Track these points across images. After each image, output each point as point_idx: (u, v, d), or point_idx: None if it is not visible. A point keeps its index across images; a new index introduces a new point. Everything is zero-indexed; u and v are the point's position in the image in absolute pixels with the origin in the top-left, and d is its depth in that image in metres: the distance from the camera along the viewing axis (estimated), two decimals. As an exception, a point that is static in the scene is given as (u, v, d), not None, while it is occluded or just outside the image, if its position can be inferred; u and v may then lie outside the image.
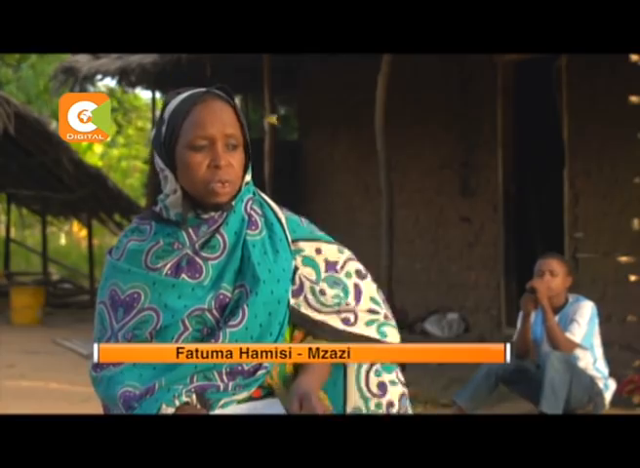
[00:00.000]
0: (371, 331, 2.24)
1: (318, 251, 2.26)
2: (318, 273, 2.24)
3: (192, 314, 2.13)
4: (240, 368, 2.13)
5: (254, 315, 2.13)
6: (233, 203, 2.17)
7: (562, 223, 8.26)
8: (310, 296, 2.21)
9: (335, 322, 2.22)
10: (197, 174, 2.13)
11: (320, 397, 2.16)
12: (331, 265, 2.26)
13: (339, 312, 2.23)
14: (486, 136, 9.12)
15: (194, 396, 2.10)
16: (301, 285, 2.22)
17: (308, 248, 2.25)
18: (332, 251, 2.27)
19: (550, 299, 5.67)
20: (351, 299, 2.25)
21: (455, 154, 9.49)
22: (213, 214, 2.17)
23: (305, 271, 2.23)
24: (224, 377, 2.12)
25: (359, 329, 2.23)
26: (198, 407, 2.11)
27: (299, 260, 2.23)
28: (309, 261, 2.24)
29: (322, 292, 2.23)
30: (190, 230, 2.17)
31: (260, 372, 2.14)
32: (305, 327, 2.22)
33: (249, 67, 10.12)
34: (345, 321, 2.23)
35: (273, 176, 9.20)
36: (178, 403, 2.08)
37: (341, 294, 2.24)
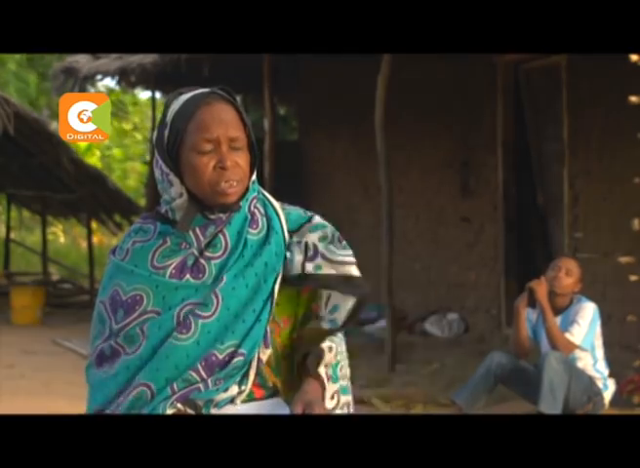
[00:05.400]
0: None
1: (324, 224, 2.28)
2: (333, 233, 2.26)
3: (185, 307, 2.13)
4: (214, 358, 2.11)
5: (226, 307, 2.13)
6: (241, 203, 2.17)
7: (562, 223, 8.26)
8: (326, 251, 2.22)
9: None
10: (204, 176, 2.12)
11: (323, 408, 2.15)
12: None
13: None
14: (486, 137, 9.12)
15: (179, 405, 2.09)
16: (315, 249, 2.21)
17: (312, 222, 2.26)
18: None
19: (555, 299, 5.67)
20: None
21: (455, 154, 9.49)
22: (221, 215, 2.16)
23: (314, 236, 2.23)
24: (202, 373, 2.10)
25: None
26: (189, 412, 2.10)
27: (306, 233, 2.23)
28: (316, 227, 2.24)
29: (339, 241, 2.25)
30: (197, 230, 2.16)
31: (236, 360, 2.12)
32: (330, 287, 2.23)
33: (249, 67, 10.12)
34: None
35: (273, 176, 9.21)
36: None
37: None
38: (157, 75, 11.11)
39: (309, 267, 2.19)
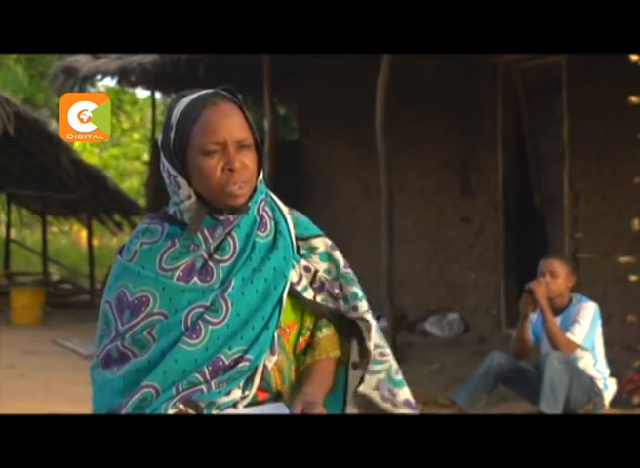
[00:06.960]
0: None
1: (333, 246, 2.28)
2: (337, 268, 2.25)
3: (193, 310, 2.13)
4: (221, 362, 2.11)
5: (236, 314, 2.13)
6: (249, 204, 2.16)
7: (562, 224, 8.26)
8: (331, 292, 2.24)
9: (370, 317, 2.25)
10: (212, 178, 2.10)
11: (323, 409, 2.15)
12: (346, 263, 2.29)
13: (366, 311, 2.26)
14: (486, 137, 9.12)
15: (181, 405, 2.09)
16: (322, 284, 2.23)
17: (322, 244, 2.26)
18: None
19: (553, 300, 5.67)
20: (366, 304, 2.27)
21: (455, 154, 9.49)
22: (230, 216, 2.15)
23: (323, 267, 2.24)
24: (207, 376, 2.10)
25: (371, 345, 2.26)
26: (190, 413, 2.10)
27: (315, 258, 2.23)
28: (327, 256, 2.25)
29: (340, 288, 2.24)
30: (206, 232, 2.15)
31: (241, 364, 2.12)
32: (338, 320, 2.25)
33: (249, 67, 10.12)
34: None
35: (273, 176, 9.21)
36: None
37: (360, 294, 2.26)
38: (157, 75, 11.11)
39: (318, 298, 2.23)
